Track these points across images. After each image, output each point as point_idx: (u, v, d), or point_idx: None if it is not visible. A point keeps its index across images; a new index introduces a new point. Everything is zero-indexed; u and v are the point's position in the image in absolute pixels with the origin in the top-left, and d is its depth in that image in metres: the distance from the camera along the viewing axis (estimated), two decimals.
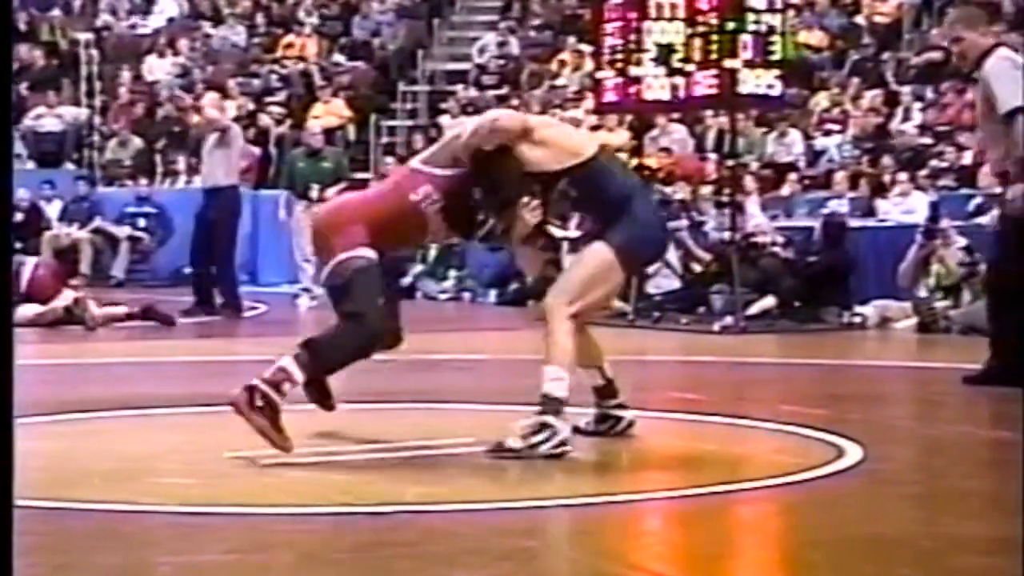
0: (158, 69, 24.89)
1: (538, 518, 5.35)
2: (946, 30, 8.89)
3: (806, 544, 5.12)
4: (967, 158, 17.27)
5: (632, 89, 13.93)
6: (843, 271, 14.25)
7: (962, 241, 13.38)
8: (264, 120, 22.99)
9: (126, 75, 24.49)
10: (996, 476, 6.66)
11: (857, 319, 13.70)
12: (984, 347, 8.79)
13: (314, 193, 16.65)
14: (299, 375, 6.47)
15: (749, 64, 13.20)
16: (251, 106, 23.42)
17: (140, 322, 13.65)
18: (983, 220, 13.73)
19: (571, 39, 22.94)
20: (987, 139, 8.86)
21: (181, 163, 22.10)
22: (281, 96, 23.86)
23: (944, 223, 13.68)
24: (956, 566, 4.70)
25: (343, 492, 5.72)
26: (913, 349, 12.58)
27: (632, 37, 13.77)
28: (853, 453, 6.51)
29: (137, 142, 23.09)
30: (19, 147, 22.28)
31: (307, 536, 5.05)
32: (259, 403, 6.33)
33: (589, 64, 19.10)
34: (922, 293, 13.43)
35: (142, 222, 20.83)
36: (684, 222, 15.48)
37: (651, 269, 13.50)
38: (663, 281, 14.78)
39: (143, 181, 21.95)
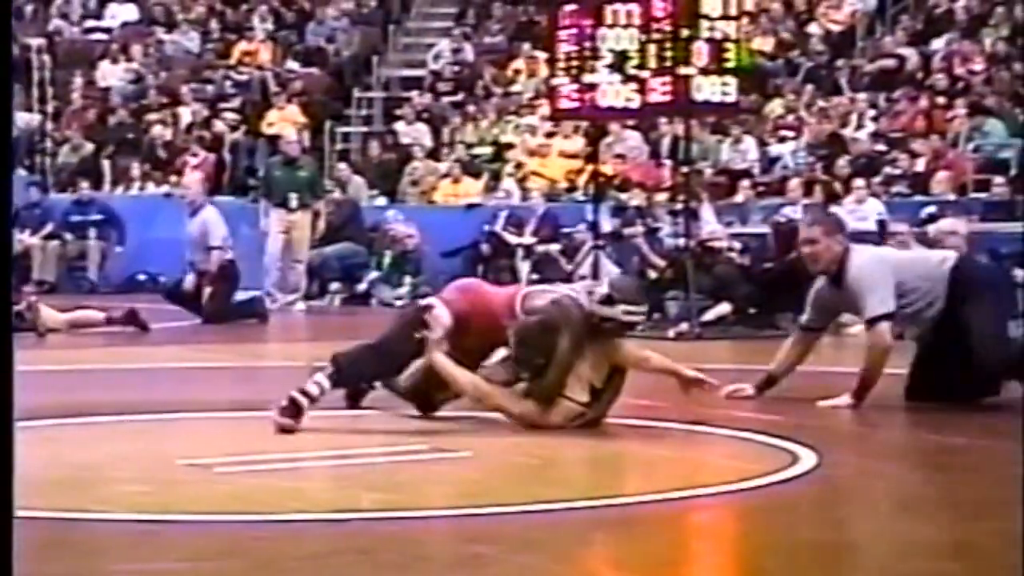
0: (111, 75, 24.77)
1: (492, 524, 5.34)
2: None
3: (761, 550, 5.13)
4: (920, 165, 17.37)
5: (587, 96, 13.94)
6: (798, 277, 14.26)
7: (917, 247, 13.43)
8: (218, 126, 22.91)
9: (78, 80, 24.36)
10: (949, 481, 6.69)
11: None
12: None
13: (293, 202, 16.65)
14: (326, 385, 7.28)
15: (703, 71, 13.24)
16: (205, 112, 23.33)
17: (120, 327, 13.54)
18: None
19: (526, 46, 22.95)
20: None
21: (135, 169, 21.99)
22: (235, 102, 23.77)
23: (901, 227, 13.76)
24: (910, 571, 4.71)
25: (297, 499, 5.70)
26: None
27: (587, 44, 13.79)
28: (807, 459, 6.53)
29: (89, 148, 22.96)
30: None
31: (261, 544, 5.03)
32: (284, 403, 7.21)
33: (544, 71, 19.12)
34: None
35: (91, 229, 20.47)
36: (640, 228, 15.51)
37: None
38: None
39: (83, 185, 21.42)
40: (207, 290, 14.66)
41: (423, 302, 7.83)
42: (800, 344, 8.70)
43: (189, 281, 14.83)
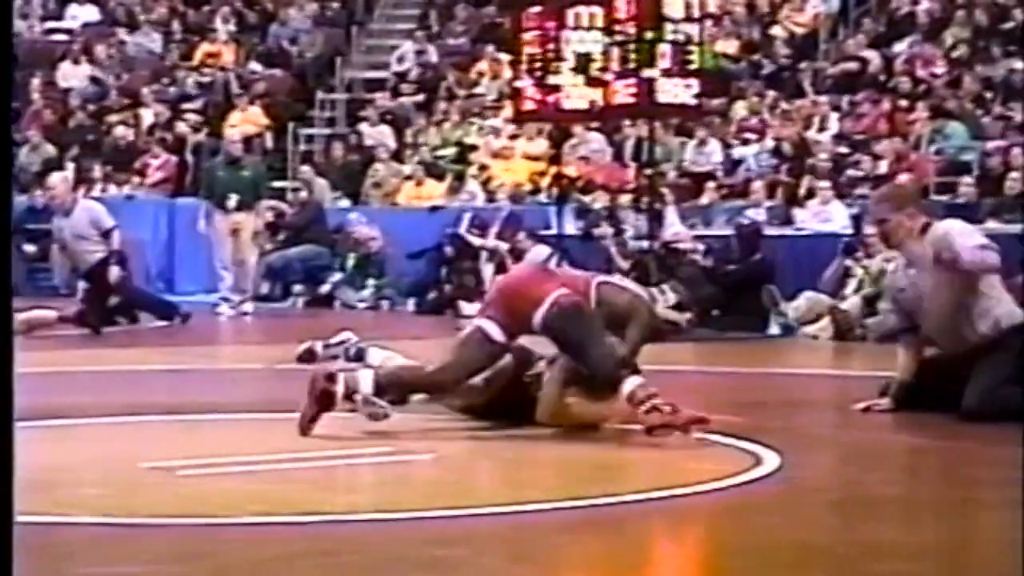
0: (72, 76, 24.66)
1: (457, 527, 5.33)
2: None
3: (724, 552, 5.13)
4: (882, 167, 17.42)
5: (551, 98, 13.96)
6: (761, 279, 14.31)
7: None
8: (181, 128, 22.83)
9: (38, 81, 24.23)
10: (912, 483, 6.71)
11: (790, 313, 13.79)
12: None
13: (232, 203, 16.55)
14: (367, 388, 7.11)
15: (667, 73, 13.26)
16: (167, 113, 23.25)
17: (73, 327, 13.46)
18: None
19: (490, 48, 22.94)
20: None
21: (97, 171, 21.89)
22: (198, 103, 23.70)
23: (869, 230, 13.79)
24: (873, 572, 4.72)
25: (261, 502, 5.67)
26: (830, 357, 12.66)
27: (551, 46, 13.81)
28: (771, 461, 6.54)
29: (50, 149, 22.84)
30: None
31: (224, 547, 5.00)
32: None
33: (508, 73, 19.12)
34: (843, 305, 13.51)
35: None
36: (609, 230, 15.52)
37: None
38: None
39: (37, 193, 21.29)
40: (114, 270, 14.43)
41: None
42: (910, 347, 8.25)
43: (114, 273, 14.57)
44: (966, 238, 7.98)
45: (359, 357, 7.85)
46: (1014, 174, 15.93)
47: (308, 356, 8.04)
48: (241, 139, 18.39)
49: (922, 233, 8.08)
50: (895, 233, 8.21)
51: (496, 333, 7.17)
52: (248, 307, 16.75)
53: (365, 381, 7.10)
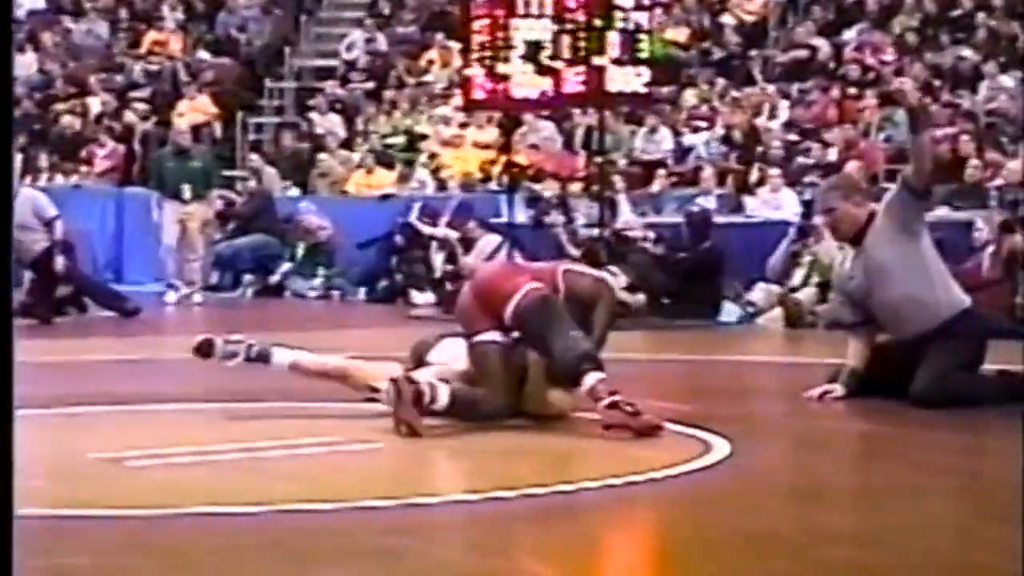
0: (17, 64, 24.46)
1: (406, 516, 5.31)
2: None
3: (675, 539, 5.13)
4: (832, 154, 17.46)
5: (500, 86, 13.93)
6: (712, 267, 14.33)
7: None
8: (129, 116, 22.69)
9: None
10: (862, 470, 6.73)
11: (750, 309, 13.81)
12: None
13: (187, 194, 16.49)
14: (445, 401, 6.97)
15: (617, 61, 13.26)
16: (115, 102, 23.10)
17: (20, 319, 13.36)
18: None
19: (440, 36, 22.89)
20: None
21: (43, 160, 21.73)
22: (146, 92, 23.55)
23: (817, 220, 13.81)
24: (824, 558, 4.72)
25: (209, 492, 5.64)
26: (781, 344, 12.69)
27: (500, 34, 13.77)
28: (721, 448, 6.54)
29: None
30: None
31: (172, 537, 4.97)
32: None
33: (458, 61, 19.08)
34: (799, 295, 13.52)
35: None
36: (560, 218, 15.50)
37: None
38: None
39: None
40: (59, 259, 14.32)
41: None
42: (863, 338, 8.22)
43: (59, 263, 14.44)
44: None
45: (263, 358, 7.60)
46: (974, 161, 15.98)
47: (206, 348, 7.65)
48: (189, 129, 18.29)
49: (869, 222, 8.10)
50: (842, 222, 8.23)
51: (502, 337, 7.21)
52: (198, 297, 16.67)
53: (443, 394, 7.00)
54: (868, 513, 5.53)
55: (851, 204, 8.17)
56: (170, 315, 15.80)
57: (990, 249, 12.88)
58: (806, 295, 13.46)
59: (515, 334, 7.20)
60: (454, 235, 16.43)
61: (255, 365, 7.57)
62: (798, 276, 13.63)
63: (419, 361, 7.42)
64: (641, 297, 13.95)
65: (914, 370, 7.85)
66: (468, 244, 16.00)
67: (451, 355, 7.36)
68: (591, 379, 6.90)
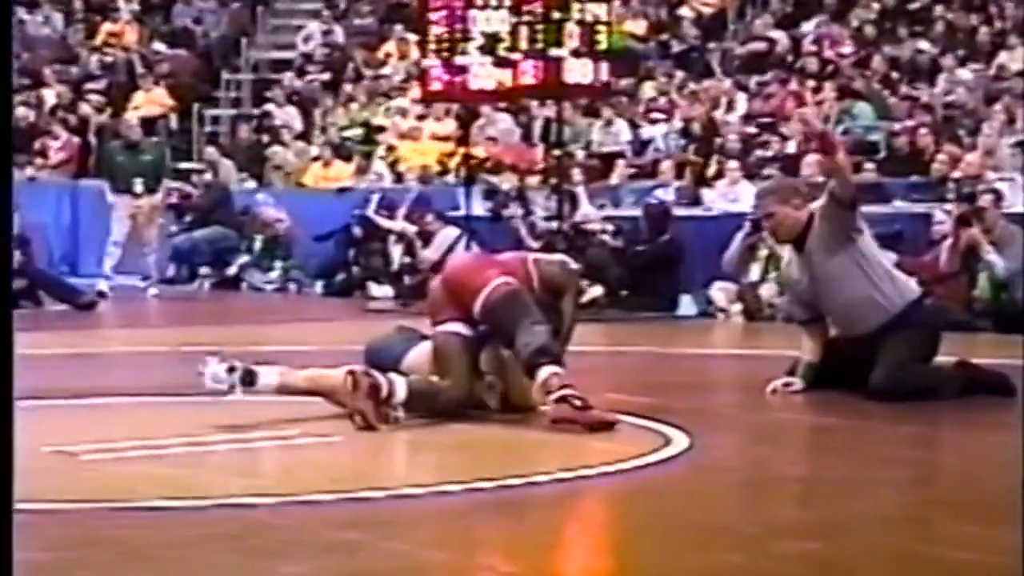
0: None
1: (363, 509, 5.28)
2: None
3: (632, 531, 5.11)
4: (791, 147, 17.48)
5: (458, 78, 13.88)
6: (670, 260, 14.32)
7: None
8: (84, 109, 22.55)
9: None
10: (818, 462, 6.73)
11: (710, 308, 13.81)
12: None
13: (139, 187, 16.38)
14: (402, 394, 6.95)
15: (575, 53, 13.24)
16: (70, 94, 22.95)
17: None
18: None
19: (397, 27, 22.85)
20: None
21: None
22: (101, 84, 23.40)
23: None
24: (779, 551, 4.71)
25: (163, 486, 5.60)
26: (739, 337, 12.70)
27: (458, 26, 13.73)
28: (679, 441, 6.54)
29: None
30: None
31: (127, 532, 4.93)
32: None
33: (415, 53, 19.03)
34: (760, 291, 13.51)
35: None
36: (518, 211, 15.47)
37: None
38: None
39: None
40: (14, 253, 14.20)
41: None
42: (815, 333, 8.21)
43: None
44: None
45: (249, 381, 7.28)
46: (941, 156, 16.01)
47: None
48: (139, 122, 18.18)
49: (809, 224, 8.10)
50: (782, 225, 8.26)
51: (466, 330, 7.18)
52: (154, 290, 16.58)
53: (401, 388, 6.97)
54: (824, 505, 5.53)
55: (790, 207, 8.21)
56: (126, 308, 15.69)
57: (948, 242, 12.90)
58: (766, 289, 13.45)
59: (482, 327, 7.18)
60: (412, 228, 16.39)
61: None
62: (756, 271, 13.62)
63: (389, 367, 7.27)
64: (599, 289, 13.96)
65: (870, 362, 7.86)
66: (426, 237, 15.96)
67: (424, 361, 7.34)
68: (544, 372, 6.88)
